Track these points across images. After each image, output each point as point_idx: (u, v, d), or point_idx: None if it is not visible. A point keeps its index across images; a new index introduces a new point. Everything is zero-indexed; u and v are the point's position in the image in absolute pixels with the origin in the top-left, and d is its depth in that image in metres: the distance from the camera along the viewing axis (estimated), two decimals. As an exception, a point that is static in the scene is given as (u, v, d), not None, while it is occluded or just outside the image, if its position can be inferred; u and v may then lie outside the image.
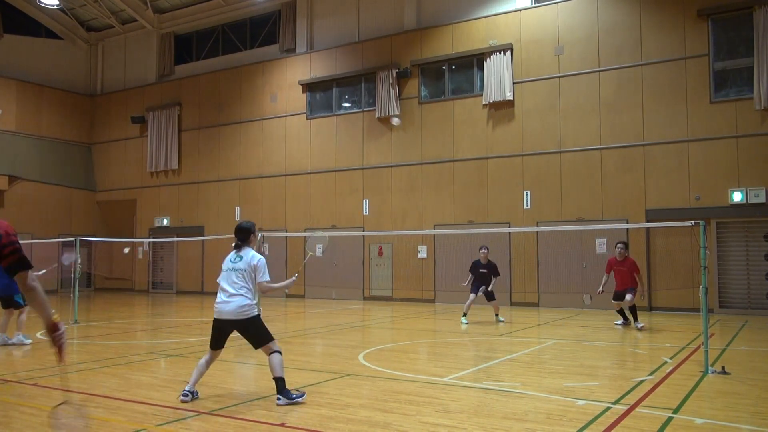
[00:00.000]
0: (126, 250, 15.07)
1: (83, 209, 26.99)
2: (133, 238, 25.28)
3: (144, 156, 26.21)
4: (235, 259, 6.35)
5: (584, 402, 6.08)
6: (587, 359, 8.93)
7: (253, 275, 6.24)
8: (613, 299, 12.65)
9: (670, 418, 5.43)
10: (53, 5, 25.78)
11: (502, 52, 18.59)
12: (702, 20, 16.21)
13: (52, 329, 3.54)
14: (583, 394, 6.47)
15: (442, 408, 5.85)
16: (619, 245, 12.60)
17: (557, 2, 18.11)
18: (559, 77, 17.96)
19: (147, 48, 26.96)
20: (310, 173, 22.08)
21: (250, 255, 6.32)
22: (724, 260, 15.82)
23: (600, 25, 17.50)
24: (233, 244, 6.50)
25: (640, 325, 12.34)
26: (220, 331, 6.28)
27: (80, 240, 14.87)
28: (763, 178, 15.35)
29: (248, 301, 6.17)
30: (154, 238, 24.33)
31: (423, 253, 19.60)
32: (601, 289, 12.40)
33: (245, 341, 6.41)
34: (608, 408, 5.80)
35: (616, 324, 12.88)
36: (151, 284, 25.78)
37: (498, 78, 18.54)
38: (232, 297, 6.17)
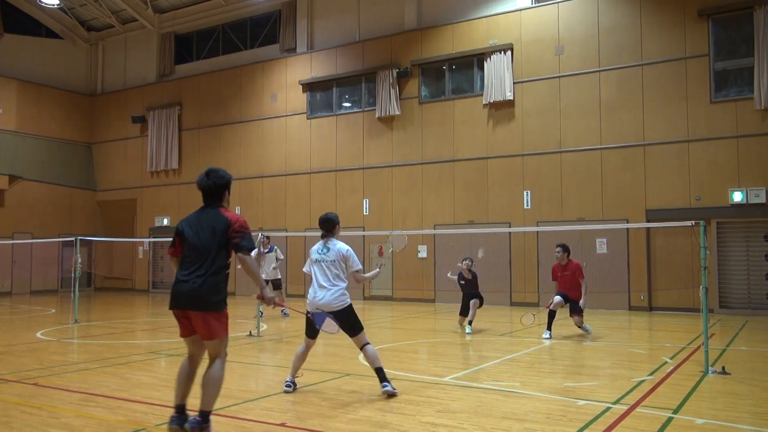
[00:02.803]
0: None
1: (83, 209, 26.99)
2: (133, 238, 25.30)
3: (144, 156, 26.21)
4: (322, 249, 6.50)
5: (584, 402, 6.07)
6: (587, 359, 8.93)
7: (343, 265, 6.41)
8: (555, 296, 11.01)
9: (670, 419, 5.43)
10: (54, 5, 25.77)
11: (502, 52, 18.58)
12: (702, 20, 16.20)
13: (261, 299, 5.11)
14: (583, 394, 6.47)
15: (442, 408, 5.85)
16: (557, 249, 11.13)
17: (557, 2, 18.11)
18: (559, 77, 17.95)
19: (147, 48, 26.95)
20: (310, 173, 22.08)
21: (338, 246, 6.47)
22: (725, 260, 15.81)
23: (600, 25, 17.50)
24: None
25: (546, 336, 10.80)
26: (339, 322, 6.46)
27: (80, 240, 14.87)
28: (763, 178, 15.34)
29: (342, 291, 6.35)
30: (154, 237, 24.32)
31: (423, 253, 19.60)
32: (552, 307, 10.92)
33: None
34: (608, 408, 5.80)
35: (545, 338, 10.78)
36: (151, 284, 25.78)
37: (498, 78, 18.54)
38: (325, 288, 6.35)
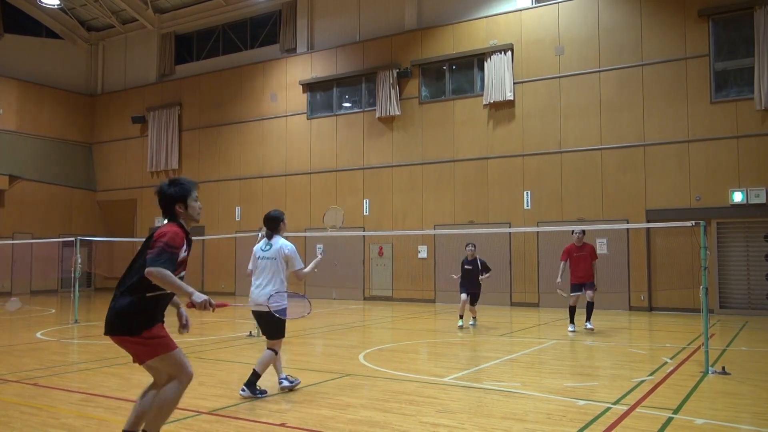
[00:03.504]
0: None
1: (83, 209, 26.99)
2: (133, 237, 25.29)
3: (144, 156, 26.20)
4: (265, 247, 6.48)
5: (584, 402, 6.07)
6: (587, 359, 8.92)
7: (283, 264, 6.34)
8: (572, 292, 11.76)
9: (670, 419, 5.42)
10: (54, 5, 25.78)
11: (502, 52, 18.58)
12: (702, 20, 16.20)
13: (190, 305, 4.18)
14: (583, 394, 6.47)
15: (442, 408, 5.85)
16: (579, 232, 11.74)
17: (557, 2, 18.11)
18: (559, 77, 17.95)
19: (147, 48, 26.96)
20: (310, 173, 22.07)
21: (281, 243, 6.42)
22: (725, 260, 15.80)
23: (600, 25, 17.50)
24: (263, 233, 6.65)
25: (590, 326, 11.57)
26: (259, 321, 6.49)
27: (80, 240, 14.86)
28: (763, 179, 15.34)
29: (276, 290, 6.22)
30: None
31: (423, 253, 19.60)
32: (559, 279, 11.74)
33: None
34: (608, 408, 5.80)
35: (571, 331, 11.62)
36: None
37: (498, 78, 18.54)
38: (261, 286, 6.32)
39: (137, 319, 4.04)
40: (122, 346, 4.12)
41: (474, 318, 12.97)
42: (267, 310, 6.03)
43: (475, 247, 12.68)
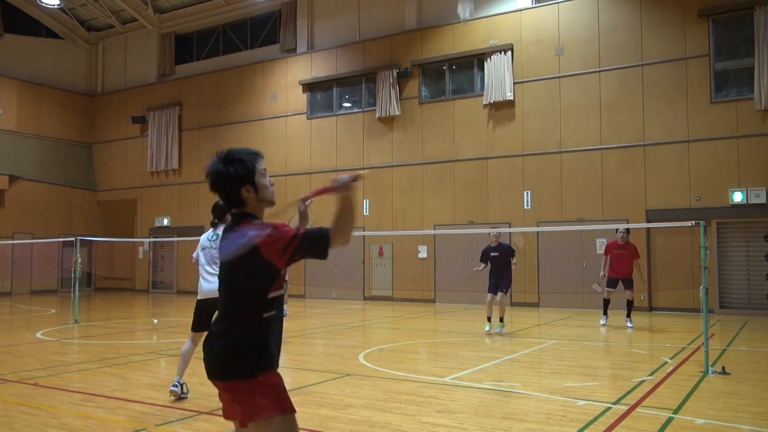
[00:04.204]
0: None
1: (83, 209, 26.99)
2: (133, 238, 25.30)
3: (144, 156, 26.20)
4: (212, 236, 6.34)
5: (584, 402, 6.07)
6: (587, 359, 8.92)
7: None
8: (607, 286, 12.47)
9: (670, 419, 5.42)
10: (54, 5, 25.78)
11: (502, 52, 18.58)
12: (702, 20, 16.20)
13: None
14: (583, 394, 6.47)
15: (442, 408, 5.85)
16: (623, 231, 12.34)
17: (557, 2, 18.11)
18: (559, 77, 17.95)
19: (147, 48, 26.96)
20: (310, 173, 22.07)
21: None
22: (725, 260, 15.81)
23: (600, 25, 17.50)
24: (210, 222, 6.49)
25: (631, 325, 12.26)
26: (202, 311, 6.24)
27: (80, 240, 14.86)
28: (763, 179, 15.34)
29: None
30: (154, 237, 24.32)
31: (423, 253, 19.59)
32: (603, 272, 12.38)
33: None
34: (608, 408, 5.80)
35: (602, 325, 12.65)
36: (151, 284, 25.77)
37: (498, 78, 18.54)
38: (211, 274, 6.22)
39: (254, 355, 2.77)
40: (229, 395, 2.80)
41: (502, 321, 11.58)
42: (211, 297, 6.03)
43: (499, 233, 11.78)
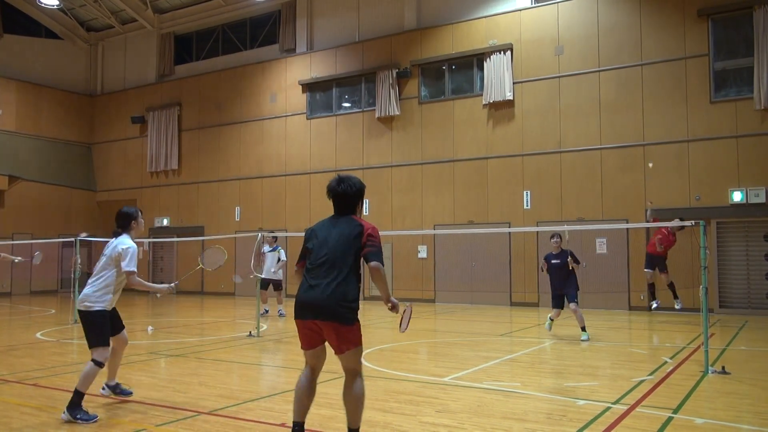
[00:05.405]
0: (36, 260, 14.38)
1: (83, 209, 26.98)
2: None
3: (144, 156, 26.20)
4: (108, 245, 5.93)
5: (584, 402, 6.07)
6: (587, 359, 8.92)
7: (113, 264, 5.70)
8: (645, 267, 13.55)
9: (670, 418, 5.43)
10: (53, 5, 25.77)
11: (502, 52, 18.58)
12: (702, 20, 16.21)
13: (391, 308, 4.72)
14: (583, 394, 6.47)
15: (442, 408, 5.85)
16: (676, 227, 11.85)
17: (557, 2, 18.11)
18: (559, 77, 17.95)
19: (147, 48, 26.95)
20: (310, 173, 22.07)
21: (119, 241, 5.77)
22: (724, 260, 15.81)
23: (600, 25, 17.50)
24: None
25: (678, 305, 13.13)
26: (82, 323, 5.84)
27: (80, 240, 14.86)
28: (763, 178, 15.34)
29: (95, 291, 5.64)
30: (154, 238, 24.32)
31: (423, 253, 19.59)
32: (649, 279, 13.39)
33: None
34: (608, 408, 5.80)
35: (654, 308, 13.63)
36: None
37: (498, 78, 18.54)
38: (88, 285, 5.75)
39: (355, 307, 4.52)
40: (334, 332, 4.45)
41: (584, 330, 10.54)
42: (85, 310, 5.60)
43: (561, 238, 10.67)
